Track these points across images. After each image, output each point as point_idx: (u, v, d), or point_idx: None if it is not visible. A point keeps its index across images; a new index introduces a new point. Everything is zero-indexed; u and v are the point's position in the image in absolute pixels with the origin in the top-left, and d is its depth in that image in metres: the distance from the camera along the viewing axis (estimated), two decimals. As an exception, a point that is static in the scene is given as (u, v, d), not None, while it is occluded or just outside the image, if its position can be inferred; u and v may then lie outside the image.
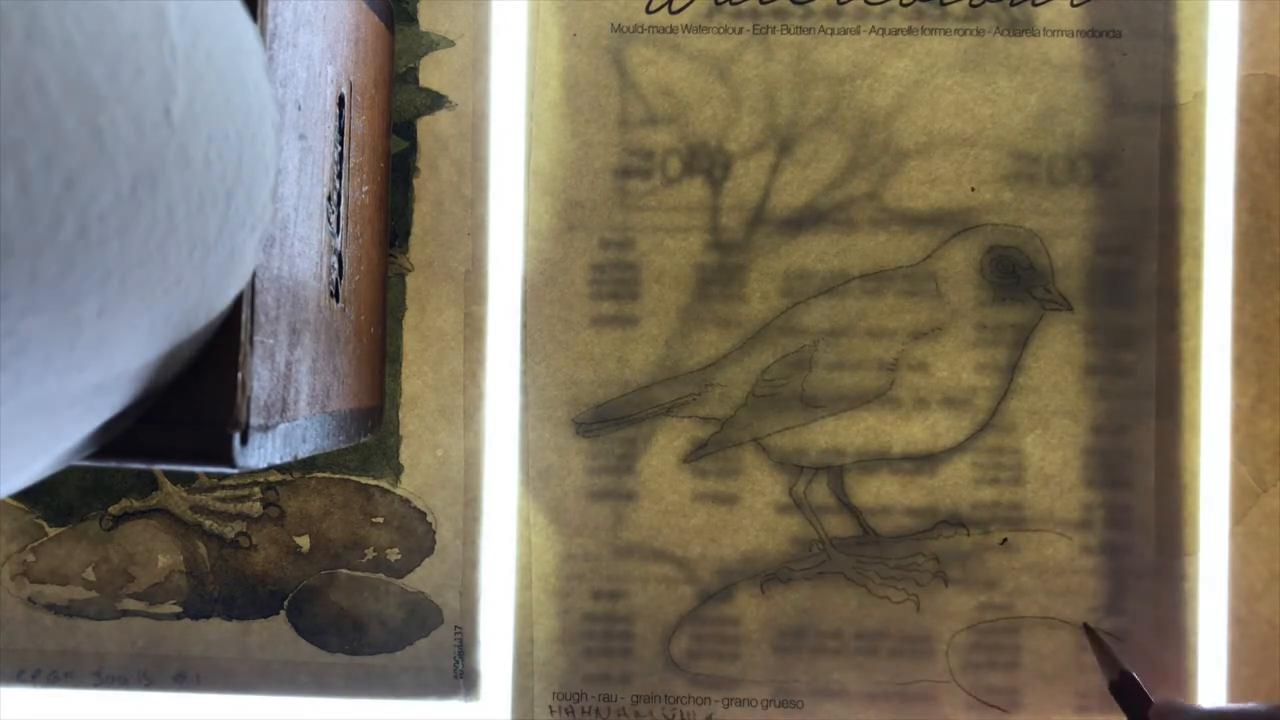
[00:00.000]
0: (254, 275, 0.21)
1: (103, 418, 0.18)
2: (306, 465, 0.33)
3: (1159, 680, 0.31)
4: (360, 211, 0.29)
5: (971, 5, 0.32)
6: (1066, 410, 0.31)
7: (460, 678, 0.32)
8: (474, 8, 0.32)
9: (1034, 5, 0.31)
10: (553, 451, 0.31)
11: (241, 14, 0.20)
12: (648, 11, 0.32)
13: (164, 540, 0.32)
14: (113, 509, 0.32)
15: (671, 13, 0.32)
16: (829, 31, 0.32)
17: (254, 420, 0.21)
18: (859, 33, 0.32)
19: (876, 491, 0.32)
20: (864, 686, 0.32)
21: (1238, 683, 0.31)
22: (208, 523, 0.32)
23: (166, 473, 0.33)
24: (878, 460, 0.32)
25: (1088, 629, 0.31)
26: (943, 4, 0.32)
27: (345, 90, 0.27)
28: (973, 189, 0.32)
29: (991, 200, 0.32)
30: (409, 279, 0.32)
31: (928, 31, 0.32)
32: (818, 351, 0.32)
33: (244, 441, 0.21)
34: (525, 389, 0.32)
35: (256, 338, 0.21)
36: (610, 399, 0.32)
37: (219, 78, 0.18)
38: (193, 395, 0.20)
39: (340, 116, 0.27)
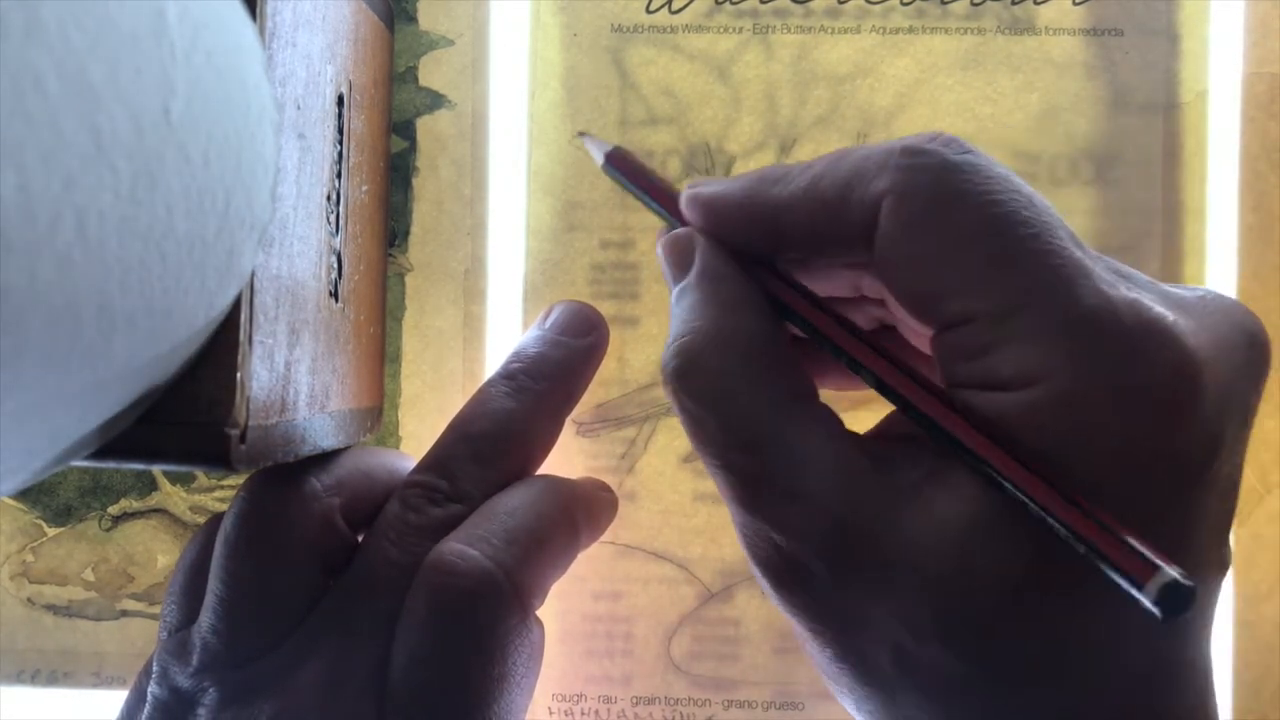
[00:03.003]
0: (253, 275, 0.21)
1: (102, 418, 0.18)
2: (306, 465, 0.32)
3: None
4: (360, 211, 0.29)
5: (973, 4, 0.32)
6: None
7: (460, 678, 0.32)
8: (474, 7, 0.32)
9: (1035, 4, 0.31)
10: (553, 451, 0.31)
11: (241, 13, 0.20)
12: (648, 11, 0.32)
13: (163, 540, 0.32)
14: (112, 509, 0.32)
15: (671, 13, 0.32)
16: (829, 31, 0.32)
17: (253, 420, 0.21)
18: (859, 32, 0.32)
19: (877, 492, 0.32)
20: (865, 687, 0.31)
21: (1242, 685, 0.31)
22: (207, 523, 0.32)
23: (166, 473, 0.33)
24: (879, 460, 0.32)
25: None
26: (944, 3, 0.32)
27: (345, 90, 0.27)
28: (974, 189, 0.32)
29: (993, 200, 0.31)
30: (409, 279, 0.32)
31: (928, 30, 0.32)
32: (818, 351, 0.32)
33: (243, 441, 0.21)
34: (525, 389, 0.32)
35: (255, 338, 0.21)
36: (610, 399, 0.32)
37: (218, 77, 0.18)
38: (192, 395, 0.20)
39: (340, 116, 0.27)
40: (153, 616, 0.32)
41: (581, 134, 0.29)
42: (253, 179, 0.19)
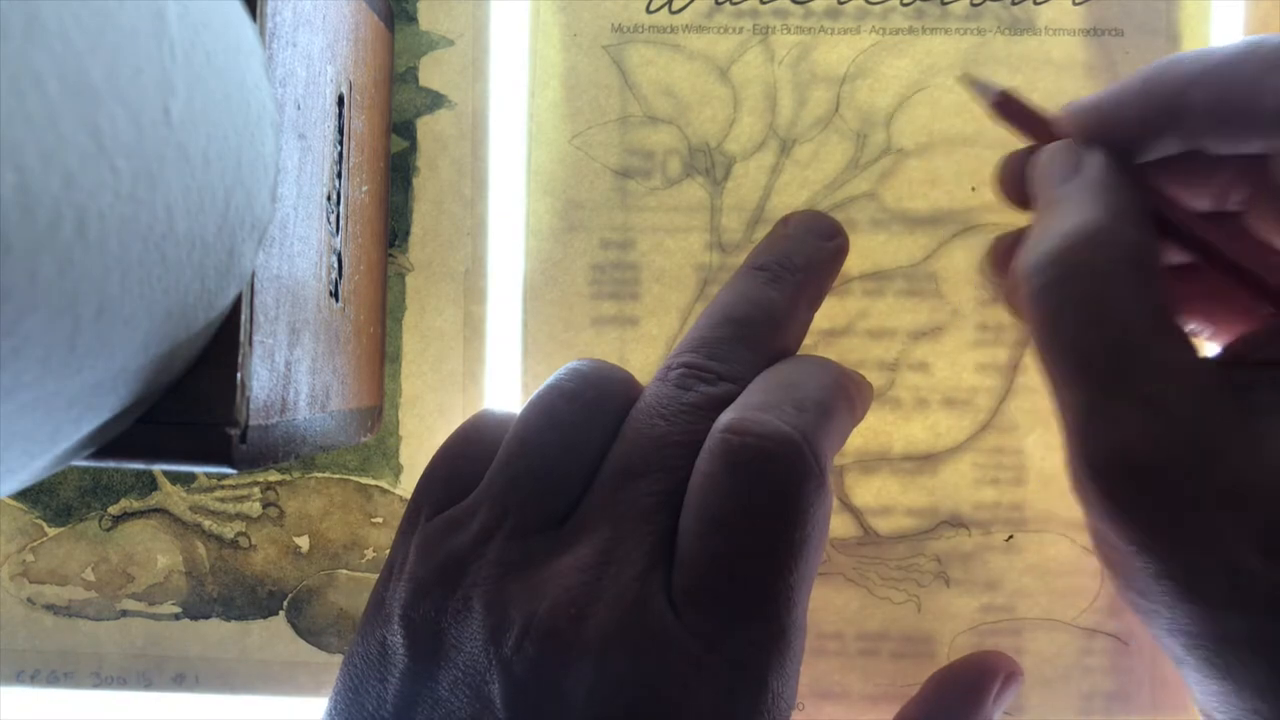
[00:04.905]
0: (253, 275, 0.21)
1: (102, 417, 0.18)
2: (306, 465, 0.32)
3: (1161, 687, 0.31)
4: (360, 211, 0.29)
5: (972, 4, 0.32)
6: (1067, 410, 0.31)
7: (460, 678, 0.32)
8: (474, 7, 0.32)
9: (1035, 4, 0.31)
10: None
11: (241, 13, 0.20)
12: (648, 11, 0.32)
13: (163, 540, 0.32)
14: (112, 509, 0.32)
15: (671, 13, 0.32)
16: (829, 31, 0.32)
17: (253, 420, 0.21)
18: (859, 32, 0.32)
19: (877, 492, 0.32)
20: (865, 688, 0.31)
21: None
22: (207, 523, 0.32)
23: (166, 473, 0.33)
24: (878, 460, 0.32)
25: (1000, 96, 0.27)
26: (943, 3, 0.32)
27: (345, 90, 0.27)
28: (973, 189, 0.32)
29: (992, 200, 0.31)
30: (409, 279, 0.32)
31: (928, 31, 0.32)
32: (818, 351, 0.32)
33: (243, 441, 0.21)
34: (525, 389, 0.32)
35: (256, 338, 0.21)
36: (610, 399, 0.32)
37: (218, 77, 0.18)
38: (192, 395, 0.20)
39: (340, 116, 0.27)
40: (153, 616, 0.32)
41: (966, 76, 0.29)
42: (253, 179, 0.19)
